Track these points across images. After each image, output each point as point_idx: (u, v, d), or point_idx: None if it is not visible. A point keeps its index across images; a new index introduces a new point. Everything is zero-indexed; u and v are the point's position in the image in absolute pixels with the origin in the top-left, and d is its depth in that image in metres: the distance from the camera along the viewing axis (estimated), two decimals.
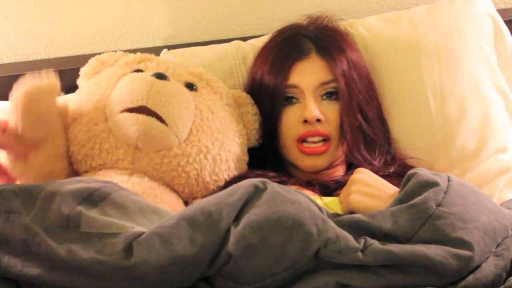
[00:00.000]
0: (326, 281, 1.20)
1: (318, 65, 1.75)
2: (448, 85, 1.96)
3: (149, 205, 1.34)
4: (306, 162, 1.73)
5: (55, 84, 1.51)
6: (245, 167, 1.72)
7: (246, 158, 1.73)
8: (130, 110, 1.53)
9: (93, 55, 1.99)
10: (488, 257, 1.27)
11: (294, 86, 1.73)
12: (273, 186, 1.27)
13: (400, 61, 1.97)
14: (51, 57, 2.07)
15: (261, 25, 2.17)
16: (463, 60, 1.99)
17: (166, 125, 1.53)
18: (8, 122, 1.47)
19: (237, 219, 1.23)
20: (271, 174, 1.71)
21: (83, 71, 1.75)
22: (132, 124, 1.52)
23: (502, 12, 2.17)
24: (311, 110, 1.70)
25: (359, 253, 1.21)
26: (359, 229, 1.27)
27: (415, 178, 1.34)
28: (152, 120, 1.52)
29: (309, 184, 1.70)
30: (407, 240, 1.25)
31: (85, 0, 2.06)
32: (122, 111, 1.54)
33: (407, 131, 1.93)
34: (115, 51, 1.75)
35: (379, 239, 1.25)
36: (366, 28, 2.01)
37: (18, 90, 1.46)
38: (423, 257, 1.21)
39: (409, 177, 1.35)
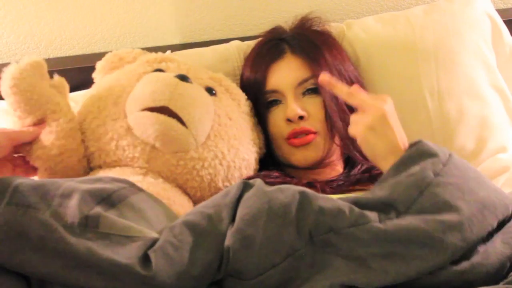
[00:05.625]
0: (331, 284, 1.20)
1: (294, 64, 1.76)
2: (446, 85, 1.96)
3: (165, 212, 1.34)
4: (297, 155, 1.73)
5: (38, 61, 1.51)
6: None
7: (257, 167, 1.73)
8: (151, 109, 1.51)
9: (93, 55, 2.00)
10: (492, 235, 1.28)
11: (274, 91, 1.75)
12: (261, 181, 1.30)
13: (397, 62, 1.98)
14: (51, 56, 2.06)
15: (260, 25, 2.17)
16: (460, 60, 2.00)
17: (186, 127, 1.52)
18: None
19: (234, 217, 1.24)
20: (275, 174, 1.71)
21: (99, 65, 1.74)
22: (152, 123, 1.50)
23: (501, 12, 2.19)
24: (292, 109, 1.70)
25: (352, 229, 1.22)
26: (358, 204, 1.28)
27: (416, 146, 1.35)
28: (173, 121, 1.50)
29: (310, 185, 1.70)
30: (406, 208, 1.25)
31: (85, 0, 2.04)
32: (143, 110, 1.52)
33: (405, 132, 1.88)
34: (133, 49, 1.76)
35: (378, 210, 1.26)
36: (363, 29, 2.01)
37: (3, 76, 1.49)
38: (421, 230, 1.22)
39: (411, 144, 1.36)
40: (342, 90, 1.48)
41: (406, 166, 1.32)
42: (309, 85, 1.74)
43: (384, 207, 1.26)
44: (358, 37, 1.99)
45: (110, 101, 1.58)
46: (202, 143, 1.57)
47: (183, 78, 1.54)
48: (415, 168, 1.30)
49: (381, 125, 1.44)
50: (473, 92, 1.99)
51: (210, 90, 1.64)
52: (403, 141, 1.45)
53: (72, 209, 1.19)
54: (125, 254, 1.16)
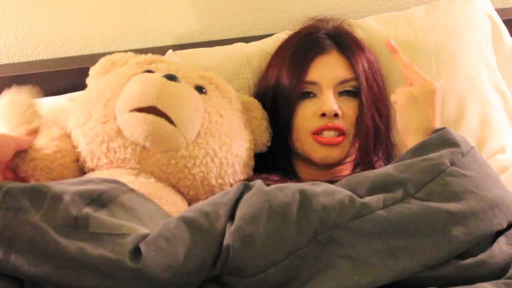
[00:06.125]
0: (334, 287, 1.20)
1: (339, 62, 1.75)
2: (447, 85, 1.94)
3: (157, 210, 1.34)
4: (320, 153, 1.72)
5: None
6: (250, 172, 1.71)
7: (252, 163, 1.72)
8: (140, 109, 1.52)
9: (91, 55, 2.00)
10: (499, 235, 1.28)
11: (313, 83, 1.73)
12: (261, 181, 1.32)
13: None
14: (49, 57, 2.05)
15: (260, 25, 2.17)
16: (461, 61, 1.99)
17: (175, 126, 1.52)
18: None
19: (232, 216, 1.25)
20: (276, 178, 1.71)
21: (92, 70, 1.74)
22: (141, 123, 1.51)
23: (500, 11, 2.18)
24: (330, 104, 1.69)
25: (356, 221, 1.22)
26: (370, 183, 1.29)
27: (439, 132, 1.37)
28: (161, 120, 1.51)
29: None
30: (416, 191, 1.26)
31: (84, 0, 2.04)
32: (132, 111, 1.53)
33: None
34: (127, 51, 1.75)
35: (385, 191, 1.26)
36: (364, 29, 2.00)
37: None
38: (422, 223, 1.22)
39: (435, 130, 1.39)
40: (402, 59, 1.56)
41: (424, 150, 1.34)
42: (348, 86, 1.73)
43: (393, 186, 1.27)
44: (359, 37, 1.98)
45: (100, 104, 1.58)
46: (192, 141, 1.56)
47: (170, 77, 1.54)
48: (433, 154, 1.31)
49: (426, 100, 1.48)
50: (473, 92, 1.98)
51: (200, 89, 1.63)
52: (432, 126, 1.47)
53: (62, 211, 1.20)
54: (115, 250, 1.16)
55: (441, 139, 1.35)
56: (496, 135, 1.98)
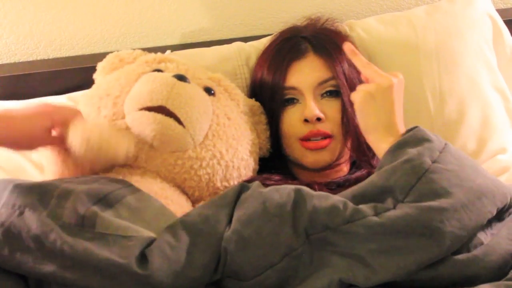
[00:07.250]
0: (330, 281, 1.20)
1: (316, 64, 1.74)
2: (447, 86, 1.96)
3: (162, 211, 1.34)
4: (310, 158, 1.72)
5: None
6: (254, 176, 1.71)
7: (256, 167, 1.72)
8: (149, 109, 1.51)
9: (92, 55, 2.00)
10: (490, 223, 1.29)
11: (292, 88, 1.72)
12: (258, 182, 1.32)
13: (399, 63, 1.97)
14: (50, 57, 2.05)
15: (260, 25, 2.18)
16: (462, 61, 1.99)
17: (184, 127, 1.51)
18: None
19: (231, 219, 1.25)
20: (277, 177, 1.70)
21: (100, 66, 1.73)
22: (150, 122, 1.50)
23: (501, 12, 2.18)
24: (310, 109, 1.68)
25: (348, 225, 1.22)
26: (358, 195, 1.29)
27: (413, 131, 1.37)
28: (170, 120, 1.50)
29: (309, 187, 1.69)
30: (404, 196, 1.25)
31: (85, 0, 2.04)
32: (141, 109, 1.52)
33: None
34: (134, 50, 1.75)
35: (375, 200, 1.26)
36: (365, 30, 2.01)
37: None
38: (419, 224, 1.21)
39: (408, 130, 1.38)
40: (361, 61, 1.53)
41: (403, 151, 1.33)
42: (328, 86, 1.72)
43: (381, 196, 1.27)
44: (360, 38, 1.98)
45: (109, 101, 1.58)
46: (200, 143, 1.56)
47: (181, 78, 1.54)
48: (412, 154, 1.30)
49: (383, 96, 1.46)
50: (474, 92, 1.98)
51: (208, 90, 1.63)
52: (400, 122, 1.46)
53: (69, 209, 1.20)
54: (122, 254, 1.16)
55: (417, 138, 1.35)
56: (497, 135, 1.98)
